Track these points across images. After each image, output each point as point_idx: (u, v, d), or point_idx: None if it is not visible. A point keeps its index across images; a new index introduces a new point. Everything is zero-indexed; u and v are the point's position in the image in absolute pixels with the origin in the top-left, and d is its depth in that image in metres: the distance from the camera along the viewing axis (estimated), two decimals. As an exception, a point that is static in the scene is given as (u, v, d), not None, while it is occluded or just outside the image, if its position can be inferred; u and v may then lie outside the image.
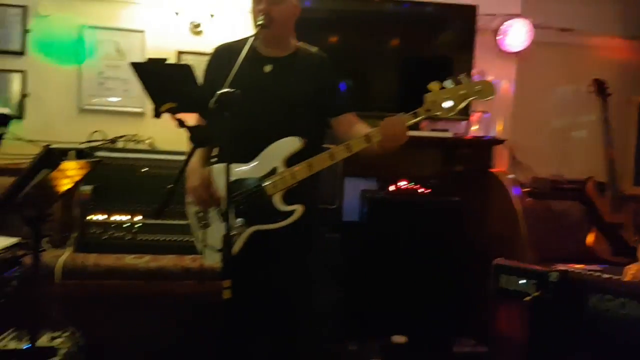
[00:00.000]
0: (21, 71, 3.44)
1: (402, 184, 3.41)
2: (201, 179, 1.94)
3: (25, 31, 3.43)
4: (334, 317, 2.95)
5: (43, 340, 2.26)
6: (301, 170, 1.90)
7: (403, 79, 3.70)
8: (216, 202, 1.94)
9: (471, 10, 3.67)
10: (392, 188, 3.41)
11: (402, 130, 1.84)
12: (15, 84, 3.44)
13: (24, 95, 3.44)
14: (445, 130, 3.59)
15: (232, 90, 1.60)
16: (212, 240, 1.89)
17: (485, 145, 3.68)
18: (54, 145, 1.75)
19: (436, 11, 3.71)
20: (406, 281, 3.25)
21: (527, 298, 2.20)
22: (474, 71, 3.60)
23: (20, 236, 2.72)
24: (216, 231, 1.86)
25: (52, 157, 1.69)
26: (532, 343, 2.29)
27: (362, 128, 2.00)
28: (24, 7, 3.41)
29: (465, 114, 3.59)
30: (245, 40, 2.05)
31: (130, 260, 2.70)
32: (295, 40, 2.10)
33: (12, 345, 2.18)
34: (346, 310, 3.05)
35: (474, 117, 3.72)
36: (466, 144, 3.63)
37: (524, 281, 2.26)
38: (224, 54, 2.03)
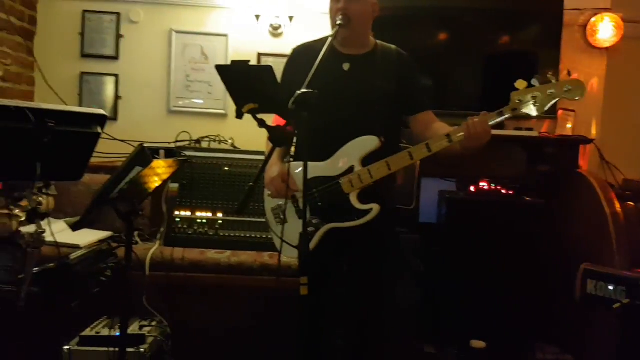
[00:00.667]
0: (115, 75, 3.68)
1: (483, 184, 3.31)
2: (279, 172, 1.98)
3: (119, 37, 3.67)
4: (411, 319, 2.92)
5: (133, 328, 2.40)
6: (379, 169, 1.90)
7: (485, 77, 3.58)
8: (292, 195, 1.97)
9: (558, 4, 3.50)
10: (472, 189, 3.32)
11: (485, 130, 1.79)
12: (109, 87, 3.69)
13: (117, 98, 3.69)
14: (530, 130, 3.44)
15: (311, 90, 1.62)
16: (288, 237, 1.93)
17: (572, 145, 3.48)
18: (147, 145, 1.85)
19: (521, 5, 3.57)
20: (486, 284, 3.14)
21: (616, 305, 2.07)
22: (561, 67, 3.43)
23: (113, 230, 2.92)
24: (293, 228, 1.90)
25: (144, 156, 1.79)
26: (621, 353, 2.15)
27: (441, 127, 1.97)
28: (117, 14, 3.65)
29: (552, 112, 3.43)
30: (323, 40, 2.08)
31: (212, 255, 2.82)
32: (373, 38, 2.10)
33: (105, 332, 2.33)
34: (424, 313, 3.01)
35: (561, 115, 3.54)
36: (552, 143, 3.46)
37: (613, 288, 2.13)
38: (302, 55, 2.07)
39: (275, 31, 3.66)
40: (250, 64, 1.71)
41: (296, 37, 3.50)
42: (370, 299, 2.07)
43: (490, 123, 1.80)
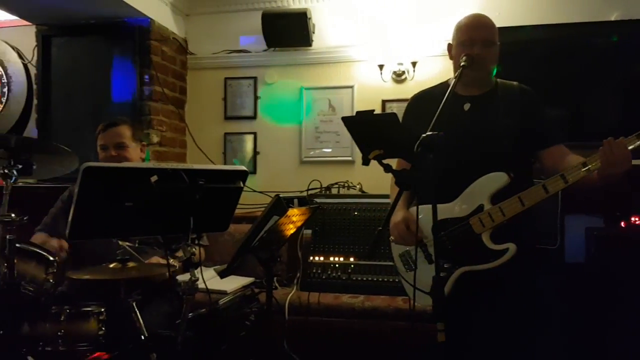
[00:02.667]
0: (253, 133, 4.00)
1: (635, 219, 2.99)
2: (402, 217, 1.97)
3: (256, 98, 4.00)
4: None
5: (276, 371, 2.50)
6: (511, 206, 1.82)
7: (625, 105, 3.31)
8: (418, 241, 1.95)
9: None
10: (622, 224, 3.02)
11: (623, 155, 1.65)
12: (249, 144, 4.01)
13: (256, 153, 3.99)
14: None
15: (436, 132, 1.63)
16: (419, 283, 1.87)
17: None
18: (282, 194, 1.97)
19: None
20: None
21: None
22: None
23: (254, 276, 3.11)
24: (423, 273, 1.87)
25: (280, 205, 1.91)
26: None
27: (574, 159, 1.85)
28: (254, 78, 4.00)
29: None
30: (440, 85, 2.09)
31: (346, 299, 2.86)
32: (493, 78, 2.07)
33: (251, 374, 2.45)
34: (572, 361, 2.74)
35: None
36: None
37: None
38: (421, 101, 2.10)
39: (399, 77, 3.74)
40: (375, 112, 1.76)
41: (419, 82, 3.56)
42: (509, 348, 1.94)
43: (629, 147, 1.65)
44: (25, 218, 1.69)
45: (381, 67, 3.71)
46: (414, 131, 1.67)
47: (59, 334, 1.82)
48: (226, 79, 4.04)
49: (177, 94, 4.00)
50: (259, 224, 1.95)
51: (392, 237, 2.06)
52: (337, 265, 3.07)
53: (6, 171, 1.72)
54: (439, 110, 1.76)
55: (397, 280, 2.77)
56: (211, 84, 4.07)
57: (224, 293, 2.71)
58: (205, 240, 2.67)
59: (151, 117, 3.69)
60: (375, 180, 3.26)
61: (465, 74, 1.92)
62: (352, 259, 3.06)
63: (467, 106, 2.00)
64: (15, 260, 1.67)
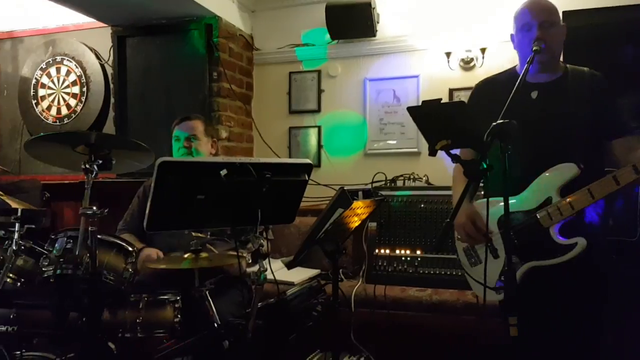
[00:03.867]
0: (317, 126, 4.02)
1: None
2: (466, 215, 1.91)
3: (320, 92, 4.02)
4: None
5: (343, 362, 2.52)
6: (580, 199, 1.73)
7: None
8: (484, 238, 1.89)
9: None
10: None
11: None
12: (313, 137, 4.04)
13: (320, 147, 4.02)
14: None
15: (507, 121, 1.57)
16: (484, 277, 1.84)
17: None
18: (346, 187, 1.98)
19: None
20: None
21: None
22: None
23: (320, 268, 3.14)
24: (488, 268, 1.82)
25: (345, 198, 1.92)
26: None
27: None
28: (318, 72, 4.02)
29: None
30: (505, 72, 2.01)
31: (414, 292, 2.84)
32: (562, 63, 1.97)
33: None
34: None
35: None
36: None
37: None
38: (486, 88, 2.03)
39: (467, 65, 3.64)
40: (442, 101, 1.72)
41: (489, 69, 3.44)
42: (582, 345, 1.85)
43: None
44: (105, 211, 1.79)
45: (448, 54, 3.62)
46: (479, 120, 1.62)
47: (137, 321, 1.92)
48: (290, 73, 4.08)
49: (243, 89, 4.09)
50: (324, 217, 1.97)
51: (457, 236, 2.02)
52: (403, 258, 3.04)
53: (87, 166, 1.82)
54: (510, 98, 1.69)
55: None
56: (276, 78, 4.13)
57: (291, 284, 2.76)
58: (271, 234, 2.72)
59: (220, 113, 3.80)
60: (442, 171, 3.21)
61: (537, 59, 1.83)
62: (418, 252, 3.03)
63: (534, 94, 1.92)
64: (97, 251, 1.77)
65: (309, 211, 3.36)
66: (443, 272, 2.94)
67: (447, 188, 3.07)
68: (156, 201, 1.60)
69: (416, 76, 3.77)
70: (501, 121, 1.56)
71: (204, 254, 1.98)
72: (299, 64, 4.07)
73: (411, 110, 1.70)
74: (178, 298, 2.02)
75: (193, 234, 2.06)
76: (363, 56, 3.91)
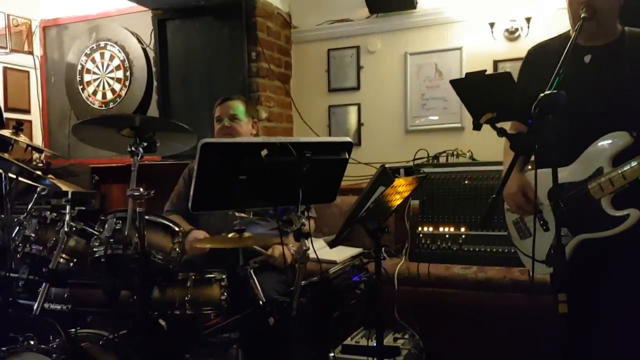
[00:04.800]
0: (357, 104, 3.98)
1: None
2: (517, 185, 1.87)
3: (359, 68, 3.97)
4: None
5: (388, 340, 2.52)
6: (633, 170, 1.65)
7: None
8: (534, 209, 1.84)
9: None
10: None
11: None
12: (352, 115, 4.01)
13: (360, 125, 3.98)
14: None
15: (555, 92, 1.51)
16: (534, 251, 1.79)
17: None
18: (388, 165, 1.95)
19: None
20: None
21: None
22: None
23: (363, 246, 3.13)
24: (538, 241, 1.77)
25: (386, 176, 1.89)
26: None
27: None
28: (357, 48, 3.96)
29: None
30: (559, 37, 1.92)
31: (458, 270, 2.80)
32: (620, 25, 1.86)
33: (363, 342, 2.50)
34: None
35: None
36: None
37: None
38: (537, 55, 1.95)
39: (512, 35, 3.51)
40: (487, 73, 1.67)
41: (534, 38, 3.30)
42: (635, 320, 1.78)
43: None
44: (152, 192, 1.83)
45: (492, 25, 3.50)
46: (530, 89, 1.56)
47: (186, 298, 1.97)
48: (329, 50, 4.04)
49: (282, 69, 4.08)
50: (365, 195, 1.96)
51: (507, 207, 1.97)
52: (447, 236, 3.00)
53: (133, 149, 1.86)
54: (558, 67, 1.62)
55: (512, 250, 2.64)
56: (314, 56, 4.10)
57: (333, 263, 2.77)
58: (313, 212, 2.73)
59: (259, 94, 3.81)
60: (487, 146, 3.11)
61: (586, 26, 1.74)
62: (463, 229, 2.98)
63: (587, 58, 1.83)
64: (145, 232, 1.82)
65: (349, 190, 3.34)
66: (489, 250, 2.89)
67: (492, 163, 2.99)
68: (200, 182, 1.62)
69: (458, 48, 3.67)
70: (549, 92, 1.49)
71: (247, 234, 2.00)
72: (337, 40, 4.02)
73: (454, 83, 1.65)
74: (224, 276, 2.06)
75: (236, 214, 2.08)
76: (403, 30, 3.82)
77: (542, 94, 1.48)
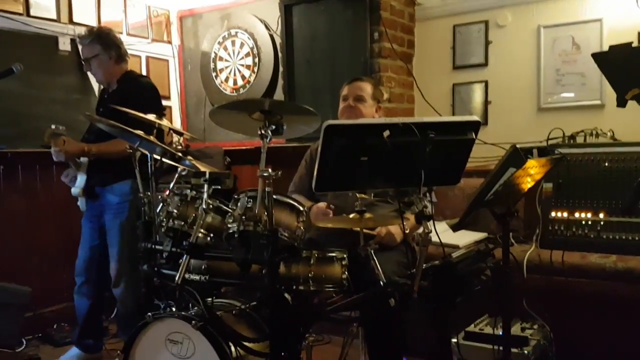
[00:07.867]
0: (484, 81, 3.80)
1: None
2: None
3: (487, 43, 3.78)
4: None
5: (515, 329, 2.42)
6: None
7: None
8: None
9: None
10: None
11: None
12: (478, 93, 3.84)
13: (487, 103, 3.80)
14: None
15: None
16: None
17: None
18: (518, 145, 1.86)
19: None
20: None
21: None
22: None
23: (488, 231, 3.02)
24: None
25: (518, 157, 1.80)
26: None
27: None
28: (485, 22, 3.77)
29: None
30: None
31: (595, 259, 2.60)
32: None
33: (488, 329, 2.42)
34: None
35: None
36: None
37: None
38: None
39: (663, 0, 3.12)
40: (634, 45, 1.52)
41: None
42: None
43: None
44: (279, 173, 1.92)
45: (640, -9, 3.14)
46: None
47: (309, 275, 2.05)
48: (455, 26, 3.89)
49: (405, 48, 4.01)
50: (493, 177, 1.88)
51: None
52: (583, 222, 2.79)
53: (262, 132, 1.96)
54: None
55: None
56: (439, 33, 3.97)
57: (456, 247, 2.71)
58: (434, 197, 2.68)
59: (380, 74, 3.79)
60: (631, 125, 2.85)
61: None
62: (601, 215, 2.74)
63: None
64: (273, 210, 1.91)
65: (474, 172, 3.22)
66: (630, 237, 2.64)
67: (637, 144, 2.72)
68: (323, 163, 1.67)
69: (598, 20, 3.35)
70: None
71: (368, 215, 2.02)
72: (464, 15, 3.85)
73: (597, 56, 1.55)
74: (345, 256, 2.11)
75: (357, 195, 2.11)
76: (536, 1, 3.56)
77: None
